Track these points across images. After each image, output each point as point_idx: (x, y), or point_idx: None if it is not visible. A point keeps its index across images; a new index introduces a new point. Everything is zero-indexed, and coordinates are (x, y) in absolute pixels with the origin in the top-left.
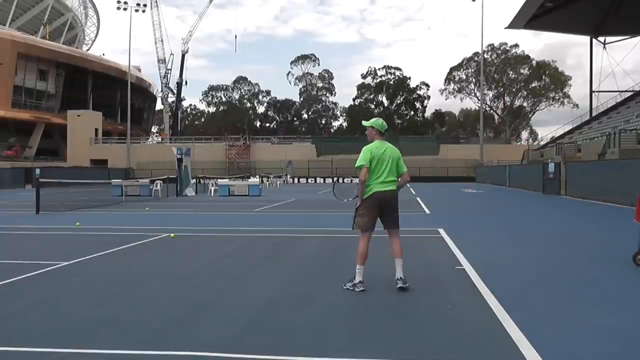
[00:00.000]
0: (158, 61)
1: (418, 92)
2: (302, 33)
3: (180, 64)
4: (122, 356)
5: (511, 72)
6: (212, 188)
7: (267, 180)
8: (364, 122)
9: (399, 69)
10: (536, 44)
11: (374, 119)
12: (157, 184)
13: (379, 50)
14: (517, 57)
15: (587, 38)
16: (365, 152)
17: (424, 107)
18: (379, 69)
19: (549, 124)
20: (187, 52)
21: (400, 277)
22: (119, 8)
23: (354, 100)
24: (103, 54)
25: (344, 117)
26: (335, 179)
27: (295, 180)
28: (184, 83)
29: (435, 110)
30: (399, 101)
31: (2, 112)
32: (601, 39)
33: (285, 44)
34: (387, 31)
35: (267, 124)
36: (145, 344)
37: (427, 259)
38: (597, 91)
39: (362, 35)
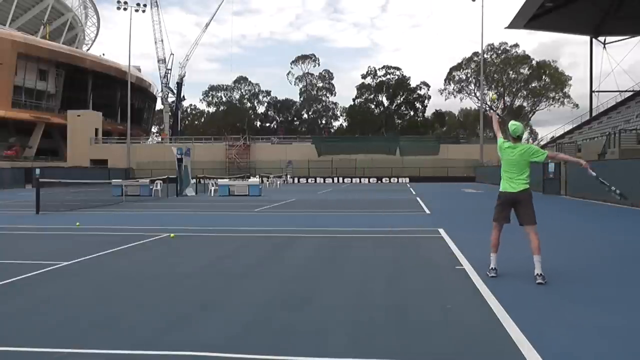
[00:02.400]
0: (158, 61)
1: (418, 92)
2: (306, 35)
3: (177, 90)
4: (122, 356)
5: (511, 72)
6: (212, 188)
7: (267, 180)
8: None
9: (398, 68)
10: (530, 43)
11: (510, 122)
12: (157, 184)
13: (380, 50)
14: (517, 57)
15: (582, 37)
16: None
17: (424, 107)
18: (378, 69)
19: (549, 124)
20: (184, 76)
21: (539, 274)
22: (119, 8)
23: (354, 100)
24: (103, 54)
25: (344, 117)
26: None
27: (295, 180)
28: (182, 97)
29: (435, 110)
30: (399, 101)
31: (2, 112)
32: (601, 39)
33: (292, 47)
34: (390, 35)
35: (267, 124)
36: (145, 344)
37: (427, 259)
38: (597, 91)
39: (365, 38)
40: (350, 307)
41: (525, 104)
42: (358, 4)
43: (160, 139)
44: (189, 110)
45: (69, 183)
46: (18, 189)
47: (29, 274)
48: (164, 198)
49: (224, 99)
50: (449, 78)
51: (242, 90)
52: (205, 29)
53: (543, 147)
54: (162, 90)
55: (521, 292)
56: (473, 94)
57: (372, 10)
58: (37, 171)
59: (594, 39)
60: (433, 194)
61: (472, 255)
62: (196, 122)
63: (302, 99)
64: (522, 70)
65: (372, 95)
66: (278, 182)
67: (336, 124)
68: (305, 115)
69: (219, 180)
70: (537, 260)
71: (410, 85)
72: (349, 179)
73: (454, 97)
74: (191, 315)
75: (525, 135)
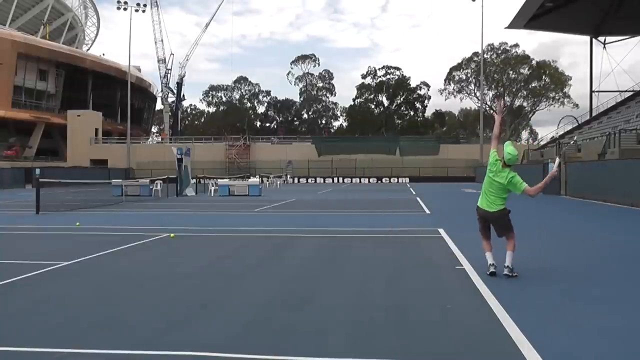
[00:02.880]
0: (158, 61)
1: (418, 92)
2: (306, 35)
3: (177, 90)
4: (122, 356)
5: (511, 72)
6: (212, 188)
7: (267, 180)
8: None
9: (398, 68)
10: (530, 43)
11: (506, 143)
12: (157, 184)
13: (380, 51)
14: (517, 57)
15: (582, 37)
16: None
17: (424, 107)
18: (378, 69)
19: (549, 124)
20: (184, 76)
21: (507, 265)
22: (119, 8)
23: (354, 100)
24: (103, 54)
25: (344, 117)
26: None
27: (295, 180)
28: (182, 97)
29: (435, 110)
30: (399, 101)
31: (2, 112)
32: (601, 39)
33: (292, 47)
34: (390, 35)
35: (267, 124)
36: (145, 344)
37: (427, 259)
38: (597, 91)
39: (365, 38)
40: (350, 307)
41: (525, 104)
42: (358, 4)
43: (160, 139)
44: (189, 110)
45: (69, 183)
46: (18, 189)
47: (29, 274)
48: (164, 198)
49: (224, 99)
50: (449, 78)
51: (242, 90)
52: (205, 29)
53: (543, 146)
54: (162, 90)
55: (521, 292)
56: (473, 94)
57: (372, 10)
58: (37, 171)
59: (594, 39)
60: (433, 194)
61: (472, 255)
62: (196, 122)
63: (302, 99)
64: (522, 70)
65: (372, 95)
66: (278, 182)
67: (336, 124)
68: (305, 115)
69: (219, 180)
70: (509, 255)
71: (410, 85)
72: (349, 179)
73: (454, 97)
74: (191, 315)
75: (525, 135)
